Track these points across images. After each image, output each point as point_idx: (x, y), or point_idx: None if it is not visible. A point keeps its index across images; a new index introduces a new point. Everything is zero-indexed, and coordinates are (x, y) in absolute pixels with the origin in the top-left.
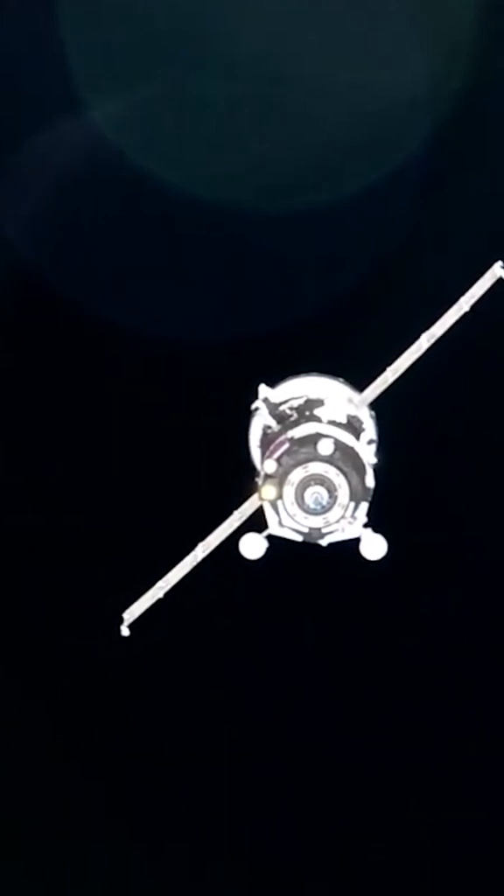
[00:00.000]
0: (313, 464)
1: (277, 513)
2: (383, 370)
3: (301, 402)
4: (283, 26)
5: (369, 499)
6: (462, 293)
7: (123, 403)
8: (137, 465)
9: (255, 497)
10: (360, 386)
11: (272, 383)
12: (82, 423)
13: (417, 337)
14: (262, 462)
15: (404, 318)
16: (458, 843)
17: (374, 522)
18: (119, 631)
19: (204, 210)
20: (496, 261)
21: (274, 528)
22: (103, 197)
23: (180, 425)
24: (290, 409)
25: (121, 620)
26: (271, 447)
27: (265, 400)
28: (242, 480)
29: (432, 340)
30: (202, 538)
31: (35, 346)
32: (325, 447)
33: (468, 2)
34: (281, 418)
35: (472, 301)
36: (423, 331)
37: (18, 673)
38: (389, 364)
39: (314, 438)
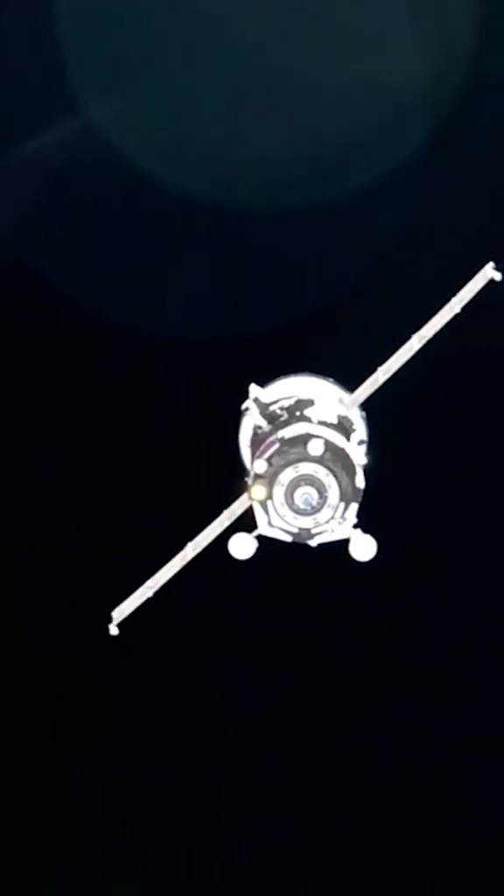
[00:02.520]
0: (303, 464)
1: (267, 513)
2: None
3: (291, 402)
4: (282, 26)
5: (359, 499)
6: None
7: (123, 403)
8: (137, 464)
9: (244, 497)
10: (355, 385)
11: (268, 383)
12: (82, 423)
13: None
14: (252, 462)
15: (405, 317)
16: (458, 843)
17: (363, 523)
18: (108, 630)
19: (204, 210)
20: (493, 261)
21: (263, 529)
22: (103, 197)
23: (180, 425)
24: (281, 409)
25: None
26: (261, 447)
27: (255, 400)
28: (242, 480)
29: (423, 341)
30: None
31: (34, 345)
32: (315, 448)
33: (468, 2)
34: (271, 418)
35: (463, 302)
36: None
37: (18, 673)
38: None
39: (304, 439)
